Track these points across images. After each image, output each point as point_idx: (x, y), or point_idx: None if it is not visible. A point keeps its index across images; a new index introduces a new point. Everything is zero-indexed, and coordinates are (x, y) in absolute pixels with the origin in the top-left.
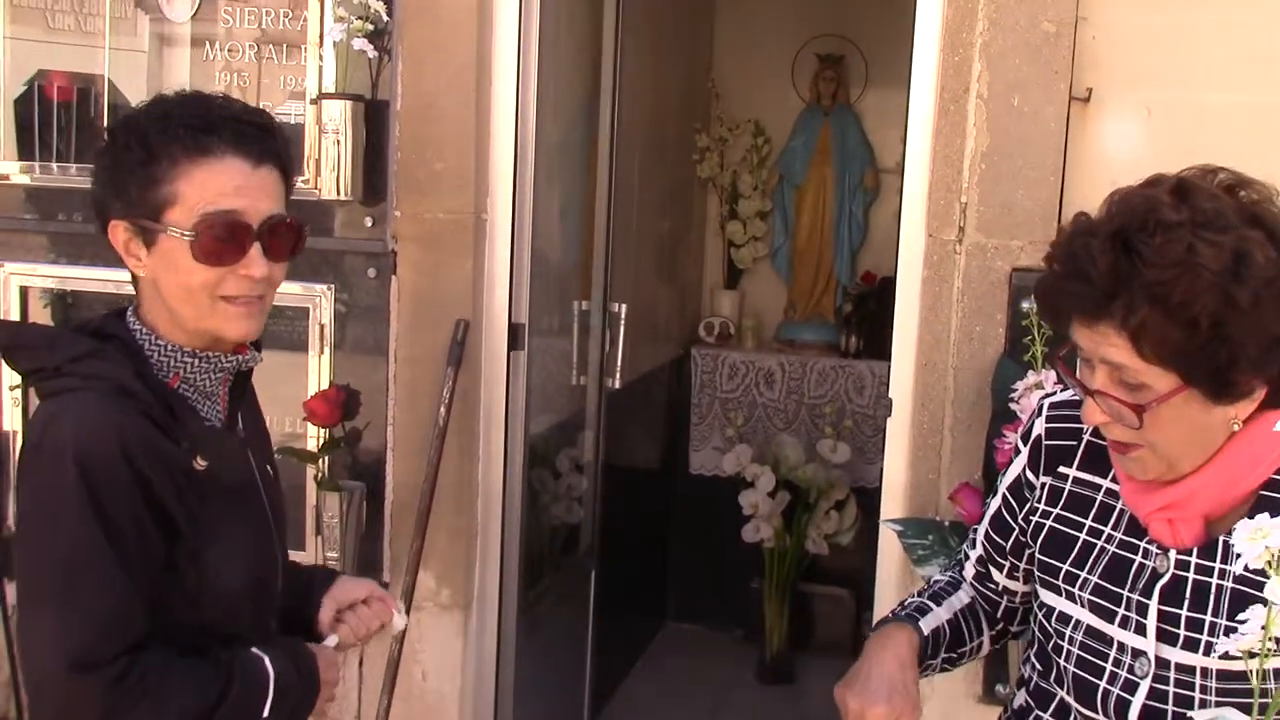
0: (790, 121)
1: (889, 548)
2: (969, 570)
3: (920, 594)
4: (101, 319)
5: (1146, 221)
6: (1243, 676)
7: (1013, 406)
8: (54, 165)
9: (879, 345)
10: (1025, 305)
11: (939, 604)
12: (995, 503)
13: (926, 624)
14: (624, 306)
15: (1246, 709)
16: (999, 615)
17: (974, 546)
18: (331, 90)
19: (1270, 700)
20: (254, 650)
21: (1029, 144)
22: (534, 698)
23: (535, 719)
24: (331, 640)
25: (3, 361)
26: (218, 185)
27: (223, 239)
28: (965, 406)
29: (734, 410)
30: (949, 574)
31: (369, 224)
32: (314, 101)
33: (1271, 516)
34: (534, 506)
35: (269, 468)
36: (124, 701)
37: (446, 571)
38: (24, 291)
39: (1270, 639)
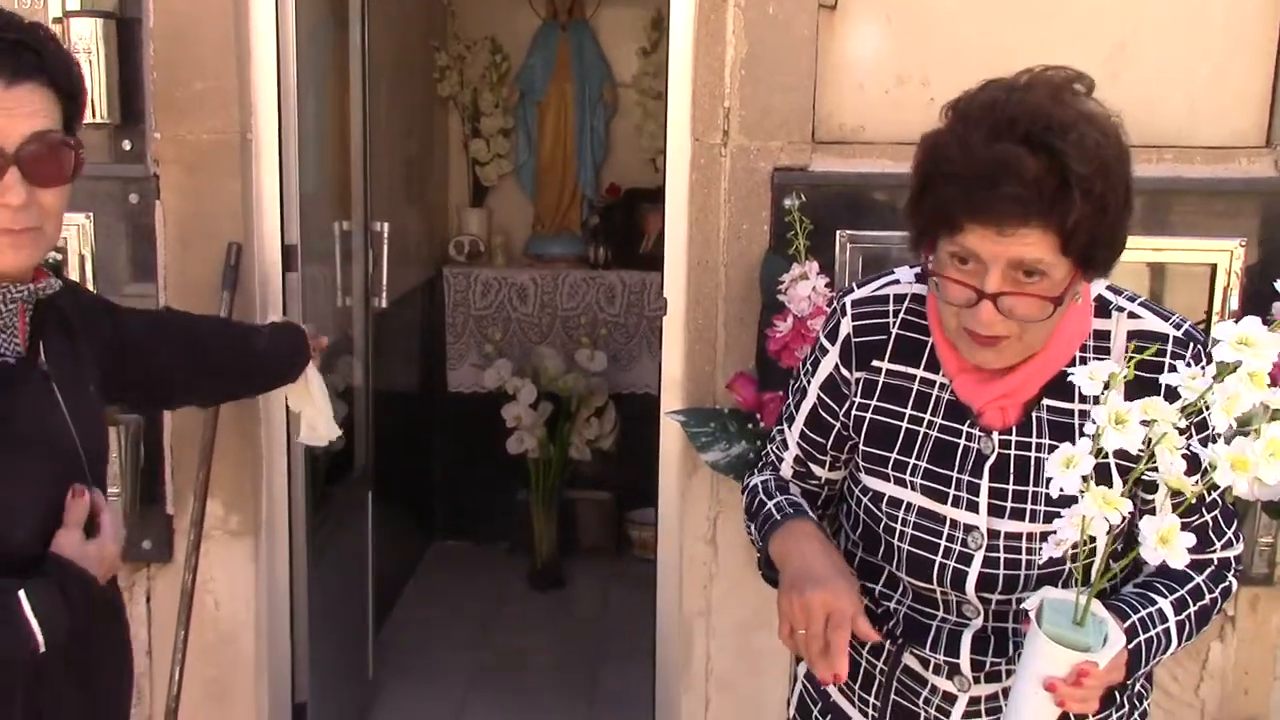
0: (527, 38)
1: (671, 441)
2: (786, 470)
3: (770, 495)
4: None
5: (1050, 122)
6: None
7: (780, 298)
8: None
9: (627, 256)
10: (787, 202)
11: (794, 494)
12: (808, 403)
13: (811, 512)
14: (386, 225)
15: (1061, 564)
16: (819, 504)
17: (785, 448)
18: (77, 9)
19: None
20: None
21: (783, 50)
22: (324, 620)
23: (326, 641)
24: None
25: None
26: None
27: None
28: (736, 301)
29: (490, 327)
30: (767, 475)
31: (127, 147)
32: (59, 20)
33: (1068, 395)
34: None
35: (85, 399)
36: None
37: (234, 499)
38: None
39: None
